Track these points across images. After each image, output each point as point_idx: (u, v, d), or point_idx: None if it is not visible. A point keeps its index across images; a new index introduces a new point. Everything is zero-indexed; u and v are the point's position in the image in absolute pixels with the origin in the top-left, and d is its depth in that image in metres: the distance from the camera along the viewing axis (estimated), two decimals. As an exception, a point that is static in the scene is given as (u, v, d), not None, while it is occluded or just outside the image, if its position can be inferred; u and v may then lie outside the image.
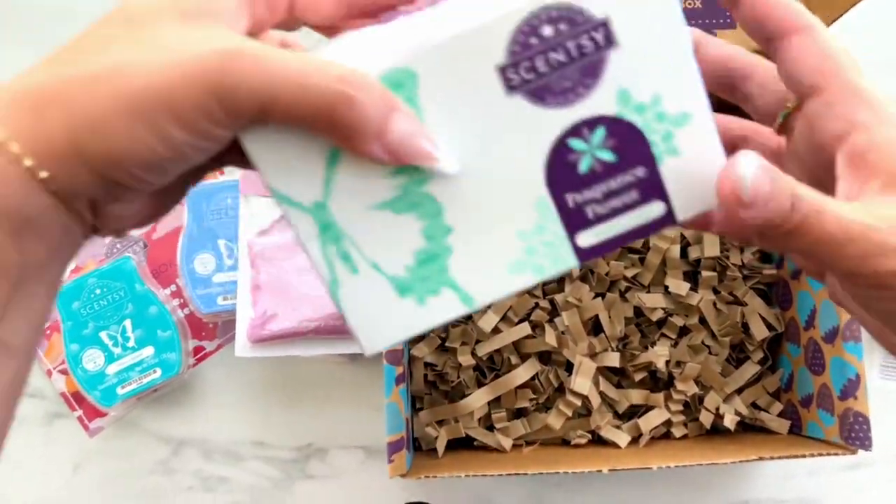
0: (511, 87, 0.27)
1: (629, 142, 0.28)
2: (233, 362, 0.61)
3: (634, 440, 0.56)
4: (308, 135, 0.26)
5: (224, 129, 0.24)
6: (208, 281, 0.60)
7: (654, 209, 0.28)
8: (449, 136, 0.27)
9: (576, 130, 0.27)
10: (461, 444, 0.58)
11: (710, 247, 0.57)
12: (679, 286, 0.57)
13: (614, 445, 0.56)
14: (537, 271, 0.29)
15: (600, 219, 0.29)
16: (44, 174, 0.23)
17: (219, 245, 0.61)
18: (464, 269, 0.29)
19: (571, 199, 0.28)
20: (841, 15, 0.49)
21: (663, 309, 0.58)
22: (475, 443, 0.57)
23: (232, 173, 0.63)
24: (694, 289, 0.58)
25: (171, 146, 0.23)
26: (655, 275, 0.58)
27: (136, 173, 0.24)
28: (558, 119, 0.27)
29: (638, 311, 0.59)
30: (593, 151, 0.28)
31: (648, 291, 0.59)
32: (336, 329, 0.58)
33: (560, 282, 0.58)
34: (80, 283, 0.59)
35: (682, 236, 0.59)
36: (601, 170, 0.28)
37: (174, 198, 0.29)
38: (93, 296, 0.59)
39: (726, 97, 0.32)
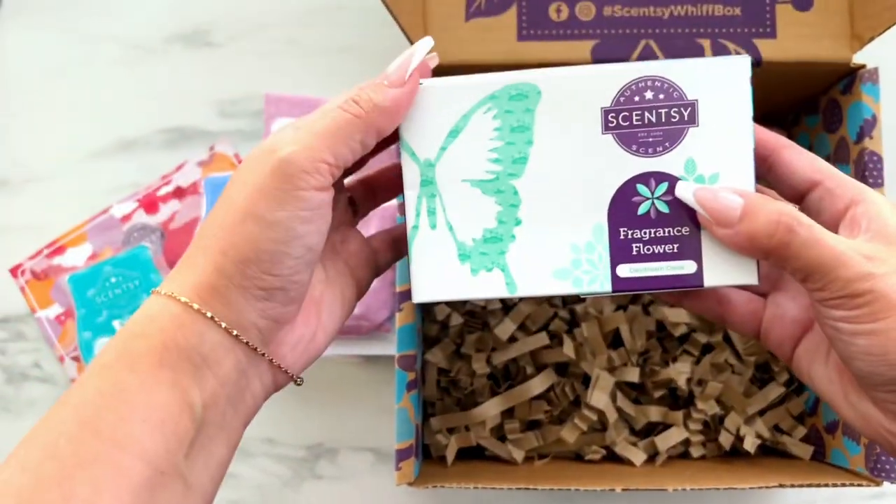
0: (608, 127, 0.33)
1: (684, 203, 0.33)
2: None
3: (650, 459, 0.55)
4: (442, 108, 0.34)
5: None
6: (224, 274, 0.60)
7: (687, 267, 0.33)
8: (548, 147, 0.34)
9: (645, 178, 0.33)
10: (472, 454, 0.56)
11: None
12: (704, 302, 0.55)
13: (629, 463, 0.54)
14: (576, 283, 0.34)
15: (641, 258, 0.33)
16: (209, 313, 0.29)
17: (236, 238, 0.60)
18: (518, 259, 0.34)
19: (623, 232, 0.34)
20: (885, 30, 0.47)
21: (686, 324, 0.56)
22: (486, 453, 0.55)
23: (253, 166, 0.62)
24: (719, 305, 0.56)
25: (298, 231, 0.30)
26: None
27: (274, 269, 0.30)
28: (634, 165, 0.33)
29: (660, 326, 0.57)
30: (654, 200, 0.33)
31: (672, 306, 0.57)
32: (351, 329, 0.57)
33: (581, 292, 0.57)
34: (96, 271, 0.59)
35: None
36: (655, 217, 0.33)
37: (333, 313, 0.34)
38: (108, 284, 0.59)
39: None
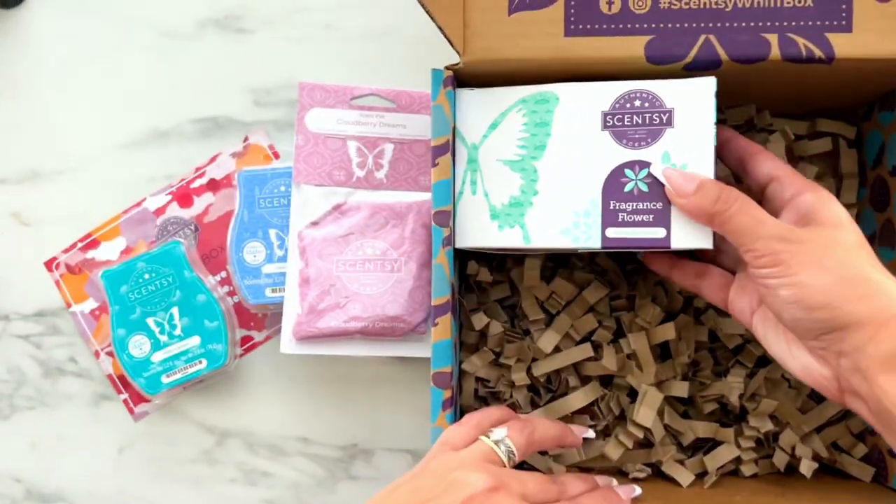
0: (605, 126, 0.45)
1: (660, 185, 0.44)
2: (280, 354, 0.59)
3: (699, 476, 0.52)
4: (487, 107, 0.47)
5: None
6: (257, 271, 0.58)
7: (659, 233, 0.44)
8: (562, 139, 0.45)
9: (631, 165, 0.44)
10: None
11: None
12: (761, 312, 0.52)
13: (676, 483, 0.51)
14: (574, 240, 0.45)
15: (625, 224, 0.44)
16: None
17: (269, 234, 0.58)
18: (533, 219, 0.45)
19: (613, 204, 0.44)
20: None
21: (741, 336, 0.53)
22: (524, 466, 0.53)
23: (286, 159, 0.60)
24: (777, 315, 0.53)
25: None
26: (735, 297, 0.53)
27: None
28: (624, 154, 0.44)
29: (713, 336, 0.54)
30: (637, 181, 0.44)
31: (727, 315, 0.53)
32: (383, 331, 0.55)
33: (630, 299, 0.54)
34: (130, 267, 0.58)
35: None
36: (637, 194, 0.44)
37: None
38: (141, 280, 0.58)
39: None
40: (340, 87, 0.57)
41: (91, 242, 0.61)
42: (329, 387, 0.60)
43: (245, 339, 0.61)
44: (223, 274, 0.61)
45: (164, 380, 0.57)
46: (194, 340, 0.57)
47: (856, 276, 0.39)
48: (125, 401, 0.60)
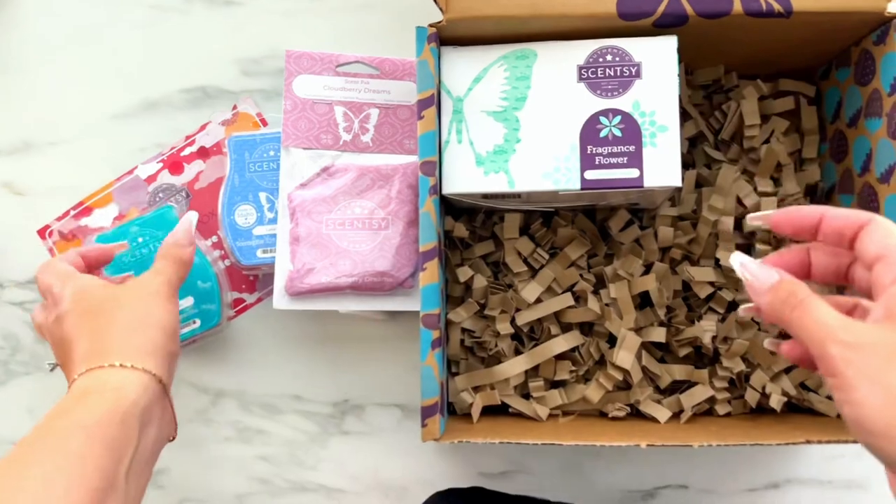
0: (581, 78, 0.50)
1: (632, 130, 0.49)
2: (272, 316, 0.61)
3: (675, 416, 0.55)
4: (470, 63, 0.51)
5: None
6: (248, 233, 0.60)
7: (633, 173, 0.48)
8: (541, 90, 0.50)
9: (605, 113, 0.49)
10: (496, 412, 0.57)
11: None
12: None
13: (654, 420, 0.54)
14: (556, 182, 0.49)
15: (601, 167, 0.48)
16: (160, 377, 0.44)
17: (260, 197, 0.60)
18: (517, 165, 0.49)
19: (590, 148, 0.49)
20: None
21: (712, 283, 0.55)
22: (510, 410, 0.56)
23: (274, 126, 0.62)
24: (746, 263, 0.56)
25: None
26: (706, 247, 0.56)
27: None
28: (599, 103, 0.49)
29: (686, 286, 0.57)
30: (611, 127, 0.49)
31: (698, 264, 0.56)
32: (374, 286, 0.57)
33: (608, 258, 0.57)
34: (123, 231, 0.59)
35: (738, 207, 0.56)
36: (611, 139, 0.49)
37: None
38: (135, 244, 0.59)
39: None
40: (326, 54, 0.60)
41: (84, 210, 0.63)
42: (320, 345, 0.62)
43: (237, 302, 0.62)
44: (214, 238, 0.62)
45: None
46: (188, 301, 0.59)
47: None
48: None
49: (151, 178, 0.63)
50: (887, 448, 0.31)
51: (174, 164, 0.63)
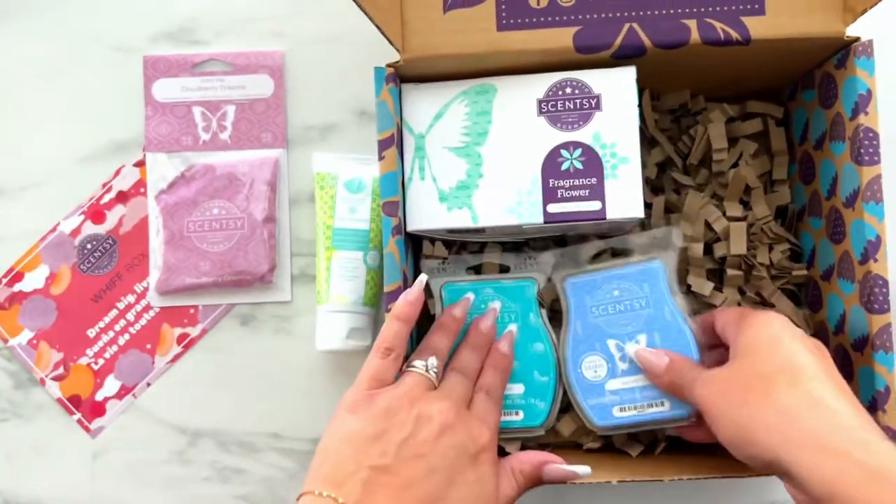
0: (540, 111, 0.50)
1: (593, 162, 0.49)
2: (236, 352, 0.61)
3: (650, 447, 0.54)
4: (431, 99, 0.51)
5: None
6: (601, 388, 0.60)
7: (594, 205, 0.48)
8: (502, 125, 0.50)
9: (566, 146, 0.49)
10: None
11: (737, 244, 0.54)
12: (702, 286, 0.55)
13: (627, 454, 0.54)
14: (519, 217, 0.49)
15: (564, 200, 0.49)
16: None
17: (608, 346, 0.60)
18: (480, 200, 0.50)
19: (552, 182, 0.49)
20: (879, 1, 0.45)
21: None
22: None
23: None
24: (718, 288, 0.56)
25: None
26: (678, 273, 0.56)
27: None
28: (559, 136, 0.49)
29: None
30: (572, 160, 0.49)
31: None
32: (233, 283, 0.61)
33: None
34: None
35: (707, 232, 0.56)
36: (573, 172, 0.49)
37: None
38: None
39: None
40: (182, 55, 0.62)
41: (15, 276, 0.62)
42: (296, 382, 0.62)
43: (182, 337, 0.62)
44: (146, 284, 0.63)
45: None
46: (518, 388, 0.53)
47: (746, 417, 0.41)
48: (79, 420, 0.62)
49: (76, 232, 0.62)
50: (742, 458, 0.42)
51: (95, 213, 0.62)
